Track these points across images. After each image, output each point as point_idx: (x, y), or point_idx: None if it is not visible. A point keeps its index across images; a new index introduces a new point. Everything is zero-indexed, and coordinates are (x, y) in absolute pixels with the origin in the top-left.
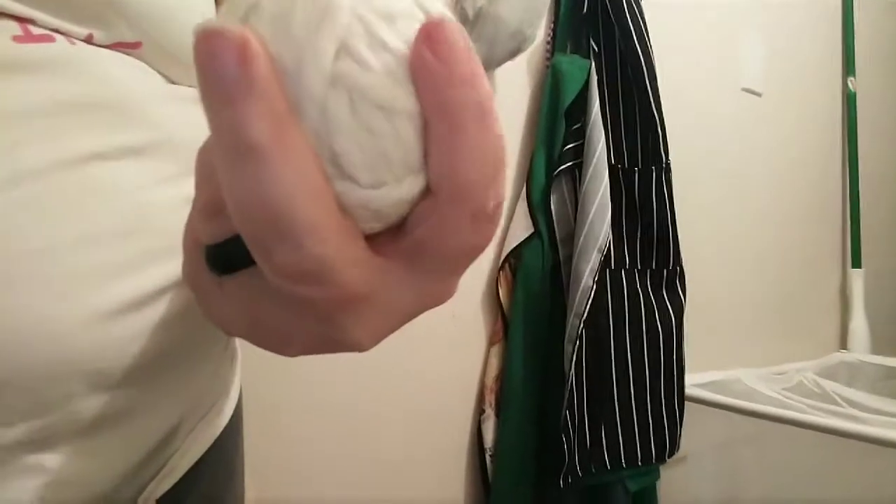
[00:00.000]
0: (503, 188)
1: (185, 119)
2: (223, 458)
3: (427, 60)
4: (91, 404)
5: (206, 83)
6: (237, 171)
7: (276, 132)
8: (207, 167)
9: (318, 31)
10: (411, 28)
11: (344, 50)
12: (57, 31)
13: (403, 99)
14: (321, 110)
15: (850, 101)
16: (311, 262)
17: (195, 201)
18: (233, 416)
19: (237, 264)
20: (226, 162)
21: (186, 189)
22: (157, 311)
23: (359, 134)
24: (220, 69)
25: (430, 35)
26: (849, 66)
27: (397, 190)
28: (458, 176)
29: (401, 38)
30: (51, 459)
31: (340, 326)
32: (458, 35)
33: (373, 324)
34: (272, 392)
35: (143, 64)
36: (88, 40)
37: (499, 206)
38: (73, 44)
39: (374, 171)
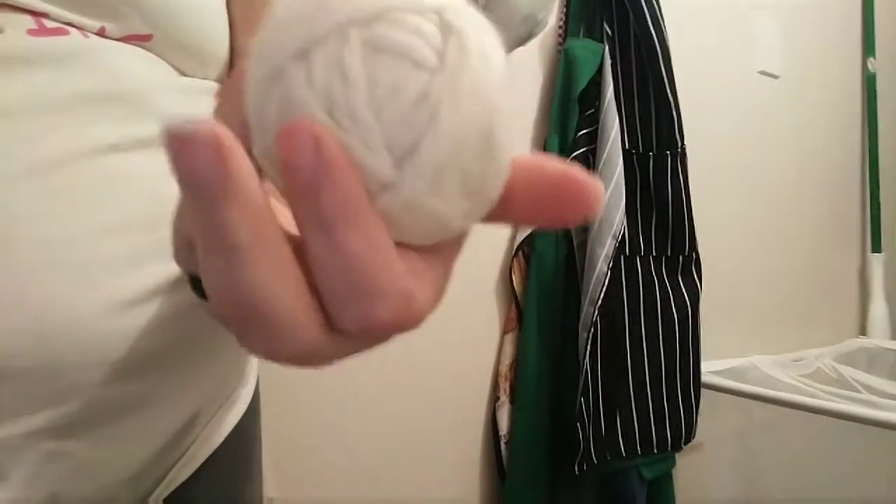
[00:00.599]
0: (382, 313)
1: (197, 111)
2: (241, 445)
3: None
4: (112, 392)
5: (182, 184)
6: (216, 266)
7: (254, 231)
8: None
9: (290, 29)
10: (394, 70)
11: (305, 57)
12: (70, 24)
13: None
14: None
15: (869, 82)
16: (281, 350)
17: (175, 236)
18: (250, 404)
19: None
20: (205, 254)
21: None
22: (174, 300)
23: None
24: (196, 172)
25: (280, 136)
26: (868, 47)
27: None
28: (320, 288)
29: (370, 75)
30: (72, 446)
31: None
32: (307, 136)
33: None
34: (288, 383)
35: (154, 56)
36: (101, 33)
37: (381, 329)
38: (87, 37)
39: None
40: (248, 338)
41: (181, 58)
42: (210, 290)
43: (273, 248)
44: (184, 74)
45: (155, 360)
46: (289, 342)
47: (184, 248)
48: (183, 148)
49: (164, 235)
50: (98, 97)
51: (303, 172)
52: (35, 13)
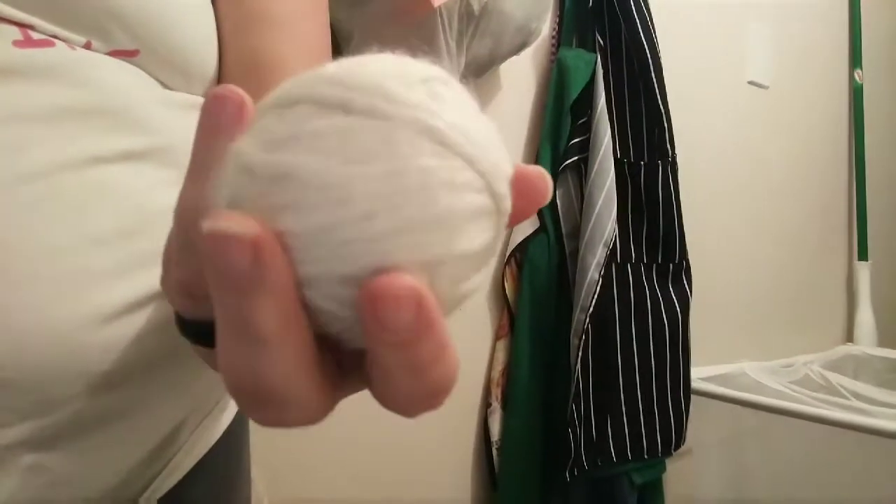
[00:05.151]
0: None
1: (182, 124)
2: (228, 454)
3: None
4: (93, 404)
5: (215, 274)
6: (238, 351)
7: (282, 323)
8: (179, 246)
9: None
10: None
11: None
12: (56, 37)
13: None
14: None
15: (856, 93)
16: (288, 422)
17: (166, 274)
18: (237, 413)
19: (203, 342)
20: (227, 339)
21: None
22: (158, 312)
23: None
24: (230, 265)
25: (371, 298)
26: (855, 58)
27: None
28: (388, 391)
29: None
30: (52, 459)
31: None
32: (409, 300)
33: None
34: None
35: (140, 70)
36: (87, 47)
37: None
38: (74, 49)
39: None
40: (256, 412)
41: (167, 73)
42: (226, 370)
43: (297, 338)
44: (168, 88)
45: (138, 372)
46: (299, 417)
47: (180, 293)
48: (222, 243)
49: (147, 247)
50: (83, 109)
51: (403, 332)
52: (21, 25)
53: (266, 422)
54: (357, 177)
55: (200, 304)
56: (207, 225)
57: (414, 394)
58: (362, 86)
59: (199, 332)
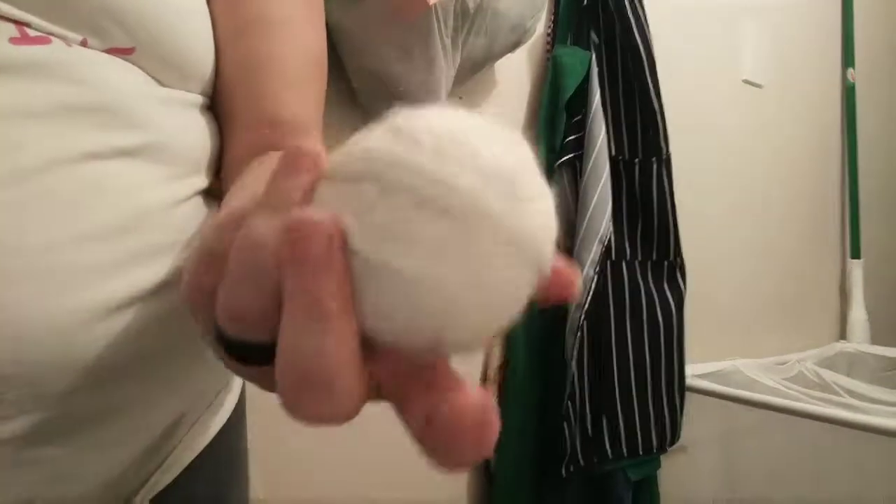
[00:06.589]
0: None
1: (176, 122)
2: (226, 450)
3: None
4: (89, 400)
5: (295, 256)
6: (304, 328)
7: (341, 306)
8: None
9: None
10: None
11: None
12: (52, 34)
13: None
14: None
15: (849, 92)
16: (330, 414)
17: (197, 286)
18: (235, 409)
19: (253, 361)
20: (295, 319)
21: (178, 190)
22: (154, 307)
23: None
24: (309, 248)
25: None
26: (848, 58)
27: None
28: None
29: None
30: (49, 452)
31: None
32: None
33: None
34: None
35: (136, 68)
36: (84, 44)
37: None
38: (70, 46)
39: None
40: (302, 400)
41: (163, 71)
42: (287, 350)
43: (349, 325)
44: (164, 85)
45: (135, 368)
46: (341, 407)
47: (200, 300)
48: (309, 228)
49: (144, 243)
50: (79, 106)
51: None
52: (18, 22)
53: (309, 410)
54: (444, 285)
55: (241, 325)
56: (296, 214)
57: (465, 459)
58: (457, 188)
59: (243, 352)
